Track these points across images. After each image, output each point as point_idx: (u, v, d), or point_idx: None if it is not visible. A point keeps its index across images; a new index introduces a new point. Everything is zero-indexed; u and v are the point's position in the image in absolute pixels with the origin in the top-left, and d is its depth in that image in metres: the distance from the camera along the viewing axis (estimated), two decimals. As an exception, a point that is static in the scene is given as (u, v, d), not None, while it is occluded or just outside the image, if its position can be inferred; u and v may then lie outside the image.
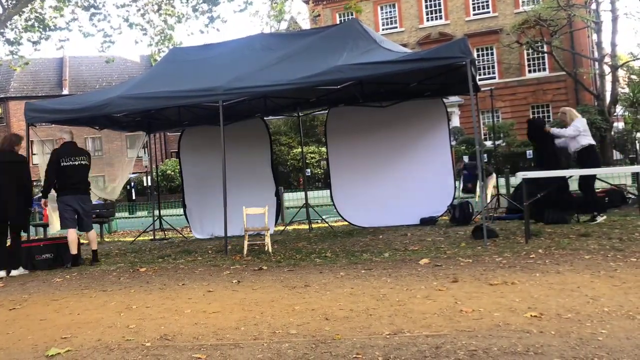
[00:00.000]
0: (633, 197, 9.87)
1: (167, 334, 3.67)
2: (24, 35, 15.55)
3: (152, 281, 5.89)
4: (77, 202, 7.50)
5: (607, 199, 9.36)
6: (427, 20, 32.18)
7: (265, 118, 10.62)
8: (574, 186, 8.67)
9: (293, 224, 11.16)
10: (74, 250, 7.46)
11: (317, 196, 15.34)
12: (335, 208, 10.06)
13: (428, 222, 9.21)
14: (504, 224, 8.56)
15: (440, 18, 31.97)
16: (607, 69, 26.28)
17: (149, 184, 24.05)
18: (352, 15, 29.30)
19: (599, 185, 8.93)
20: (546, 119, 30.06)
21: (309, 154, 27.63)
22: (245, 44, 8.99)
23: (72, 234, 7.45)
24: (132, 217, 20.66)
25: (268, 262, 6.61)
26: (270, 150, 10.51)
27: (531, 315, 3.49)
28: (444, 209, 9.39)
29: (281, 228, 10.33)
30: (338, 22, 29.62)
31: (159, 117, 9.79)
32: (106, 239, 11.80)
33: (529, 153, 26.76)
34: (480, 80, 25.55)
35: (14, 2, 13.90)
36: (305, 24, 33.22)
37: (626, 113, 29.32)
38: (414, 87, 8.72)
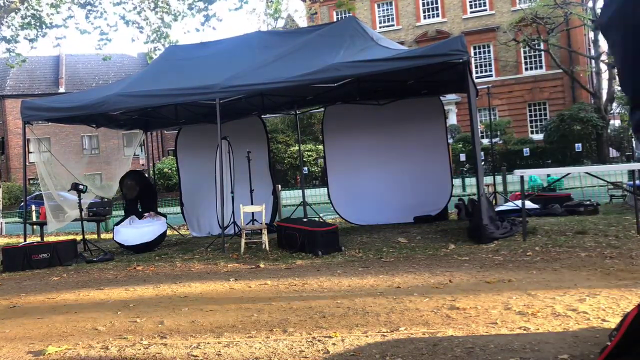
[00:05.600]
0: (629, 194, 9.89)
1: (164, 332, 3.67)
2: (21, 33, 15.49)
3: (149, 279, 5.89)
4: None
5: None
6: (424, 18, 32.18)
7: (262, 116, 10.61)
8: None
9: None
10: None
11: (314, 194, 15.35)
12: (332, 206, 10.06)
13: (424, 219, 9.22)
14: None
15: (437, 16, 31.97)
16: (603, 67, 26.33)
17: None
18: (349, 13, 29.29)
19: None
20: (542, 117, 30.14)
21: (306, 152, 27.63)
22: (242, 42, 8.98)
23: None
24: (129, 216, 20.61)
25: (265, 260, 6.61)
26: (267, 149, 10.50)
27: (528, 313, 3.50)
28: (442, 206, 9.40)
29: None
30: (335, 20, 29.60)
31: (156, 115, 9.76)
32: (103, 237, 11.78)
33: (526, 151, 26.87)
34: (477, 78, 25.57)
35: (7, 2, 13.84)
36: (302, 22, 33.18)
37: (622, 111, 29.39)
38: (411, 85, 8.71)
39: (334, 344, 3.16)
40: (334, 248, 6.79)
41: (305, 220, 8.18)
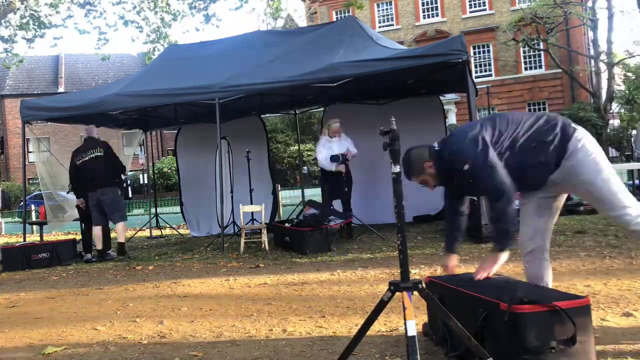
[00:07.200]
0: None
1: (163, 332, 3.67)
2: (19, 33, 15.45)
3: (148, 279, 5.89)
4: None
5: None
6: (424, 18, 32.16)
7: (261, 116, 10.61)
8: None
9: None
10: (99, 245, 7.68)
11: (314, 194, 15.33)
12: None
13: (423, 219, 9.22)
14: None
15: (437, 15, 31.96)
16: (602, 67, 26.33)
17: (146, 181, 23.99)
18: (348, 12, 29.31)
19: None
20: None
21: (306, 152, 27.60)
22: (242, 42, 8.98)
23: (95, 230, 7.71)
24: (129, 215, 20.62)
25: (265, 259, 6.62)
26: (267, 148, 10.50)
27: (527, 312, 3.49)
28: (441, 206, 9.39)
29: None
30: (335, 20, 29.59)
31: (155, 114, 9.76)
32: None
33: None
34: (476, 77, 25.56)
35: (6, 2, 13.82)
36: (302, 22, 33.20)
37: (622, 110, 29.40)
38: (411, 85, 8.70)
39: (333, 344, 3.17)
40: (323, 248, 6.83)
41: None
